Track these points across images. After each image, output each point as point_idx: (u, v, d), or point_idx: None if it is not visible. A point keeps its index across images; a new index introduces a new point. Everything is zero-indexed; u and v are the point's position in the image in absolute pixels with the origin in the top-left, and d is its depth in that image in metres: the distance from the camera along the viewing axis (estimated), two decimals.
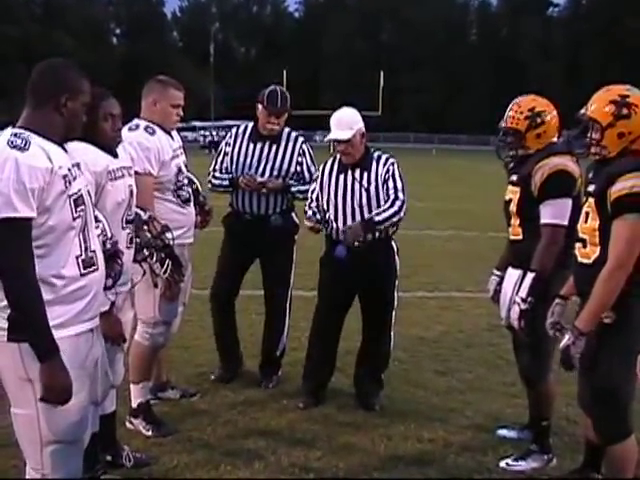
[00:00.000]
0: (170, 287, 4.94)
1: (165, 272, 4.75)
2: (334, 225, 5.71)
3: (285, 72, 58.26)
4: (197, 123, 65.55)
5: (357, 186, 5.64)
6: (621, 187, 3.69)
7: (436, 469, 4.83)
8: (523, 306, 4.50)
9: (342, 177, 5.71)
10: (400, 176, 5.67)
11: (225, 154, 6.24)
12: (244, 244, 6.20)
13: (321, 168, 5.92)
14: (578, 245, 3.99)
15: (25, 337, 3.04)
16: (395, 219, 5.57)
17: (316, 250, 6.04)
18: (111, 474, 4.47)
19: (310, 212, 5.78)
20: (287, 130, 6.20)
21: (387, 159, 5.70)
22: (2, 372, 3.22)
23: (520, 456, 4.90)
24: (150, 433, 5.23)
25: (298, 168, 6.09)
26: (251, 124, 6.25)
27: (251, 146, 6.15)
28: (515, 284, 4.65)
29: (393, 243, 5.86)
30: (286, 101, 6.06)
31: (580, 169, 4.52)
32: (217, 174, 6.20)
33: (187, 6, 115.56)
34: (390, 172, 5.64)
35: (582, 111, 3.96)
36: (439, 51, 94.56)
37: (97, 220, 3.60)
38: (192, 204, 5.45)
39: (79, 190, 3.23)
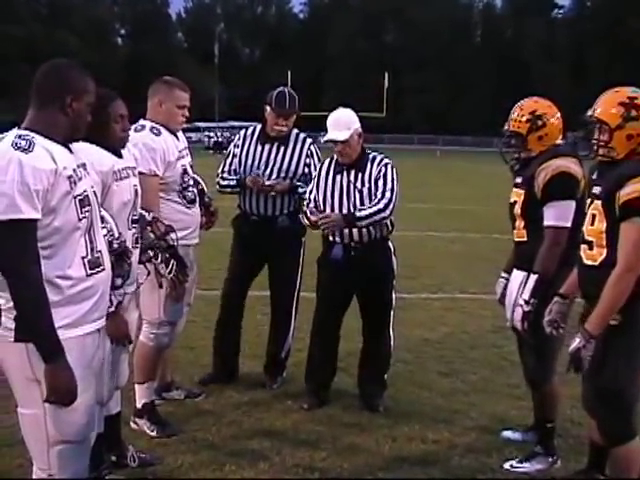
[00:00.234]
0: (175, 288, 4.95)
1: (170, 273, 4.76)
2: None
3: (289, 73, 58.25)
4: (201, 124, 65.57)
5: (352, 187, 5.65)
6: (631, 190, 3.69)
7: (440, 470, 4.83)
8: (526, 308, 4.51)
9: (338, 178, 5.72)
10: (393, 177, 5.67)
11: (234, 156, 6.25)
12: (252, 246, 6.20)
13: (318, 168, 5.93)
14: (584, 247, 3.98)
15: (26, 337, 3.04)
16: (378, 217, 5.56)
17: (320, 251, 6.04)
18: (116, 474, 4.48)
19: (308, 211, 5.79)
20: (295, 131, 6.21)
21: (381, 160, 5.72)
22: (9, 372, 3.22)
23: (525, 458, 4.90)
24: (155, 433, 5.23)
25: (306, 170, 6.08)
26: (259, 126, 6.25)
27: (259, 148, 6.15)
28: (519, 286, 4.66)
29: (390, 244, 5.87)
30: (294, 102, 6.07)
31: (583, 171, 4.52)
32: (225, 175, 6.21)
33: (192, 7, 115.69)
34: (382, 172, 5.65)
35: (589, 113, 3.96)
36: (443, 52, 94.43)
37: (103, 220, 3.61)
38: (197, 205, 5.46)
39: (85, 191, 3.23)
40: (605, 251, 3.84)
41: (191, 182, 5.38)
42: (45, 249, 3.06)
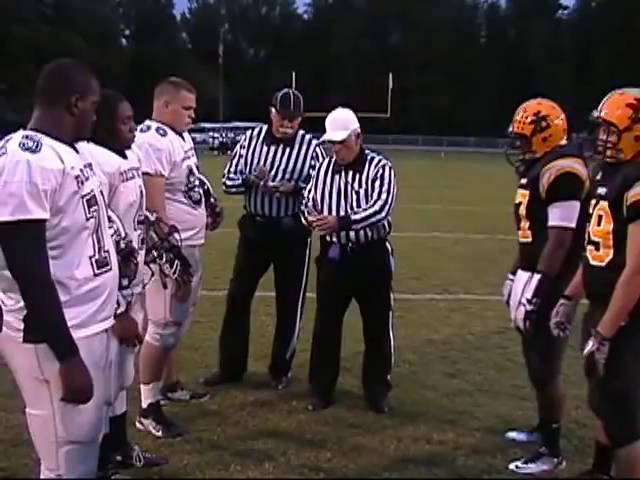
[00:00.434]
0: (180, 288, 4.97)
1: (174, 273, 4.77)
2: None
3: (294, 74, 58.24)
4: (206, 124, 65.57)
5: (349, 188, 5.66)
6: (639, 191, 3.69)
7: (446, 471, 4.83)
8: (529, 307, 4.52)
9: (336, 178, 5.72)
10: (390, 178, 5.65)
11: (239, 156, 6.26)
12: (257, 246, 6.22)
13: (317, 168, 5.94)
14: (590, 248, 3.99)
15: (42, 338, 3.04)
16: (374, 219, 5.54)
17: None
18: (121, 474, 4.49)
19: (309, 210, 5.79)
20: (301, 133, 6.22)
21: (379, 161, 5.70)
22: (17, 373, 3.23)
23: (530, 459, 4.90)
24: (160, 433, 5.24)
25: (311, 171, 6.07)
26: (265, 127, 6.26)
27: (265, 149, 6.16)
28: (524, 286, 4.66)
29: (387, 244, 5.87)
30: (299, 105, 6.07)
31: (588, 171, 4.52)
32: (231, 175, 6.22)
33: (196, 7, 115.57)
34: (379, 173, 5.64)
35: (595, 114, 3.96)
36: (448, 53, 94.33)
37: (110, 220, 3.62)
38: (203, 205, 5.47)
39: (92, 190, 3.23)
40: (612, 252, 3.84)
41: (197, 182, 5.38)
42: (53, 249, 3.05)
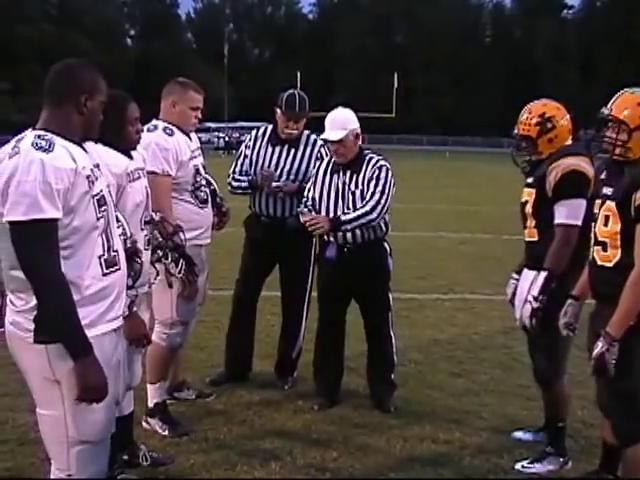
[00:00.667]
0: (186, 287, 4.98)
1: (180, 272, 4.79)
2: None
3: (299, 73, 58.26)
4: (211, 124, 65.61)
5: (346, 188, 5.66)
6: None
7: (452, 470, 4.83)
8: (535, 304, 4.52)
9: (335, 178, 5.72)
10: (386, 179, 5.63)
11: (245, 156, 6.26)
12: (263, 246, 6.23)
13: (316, 167, 5.95)
14: (597, 248, 3.98)
15: (52, 338, 3.04)
16: (364, 220, 5.53)
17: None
18: (128, 473, 4.49)
19: (305, 209, 5.80)
20: (307, 133, 6.22)
21: (377, 161, 5.68)
22: (27, 373, 3.23)
23: (536, 458, 4.89)
24: (166, 433, 5.25)
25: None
26: (270, 126, 6.27)
27: (270, 149, 6.17)
28: (530, 285, 4.66)
29: (386, 245, 5.86)
30: (305, 106, 6.07)
31: (594, 170, 4.52)
32: (237, 176, 6.22)
33: (201, 7, 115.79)
34: (375, 174, 5.62)
35: (605, 111, 3.95)
36: (453, 52, 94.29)
37: (117, 220, 3.62)
38: (210, 205, 5.48)
39: (101, 190, 3.23)
40: (620, 252, 3.84)
41: (203, 182, 5.39)
42: (64, 249, 3.05)
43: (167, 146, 5.05)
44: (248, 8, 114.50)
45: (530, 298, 4.55)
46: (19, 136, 3.12)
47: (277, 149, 6.16)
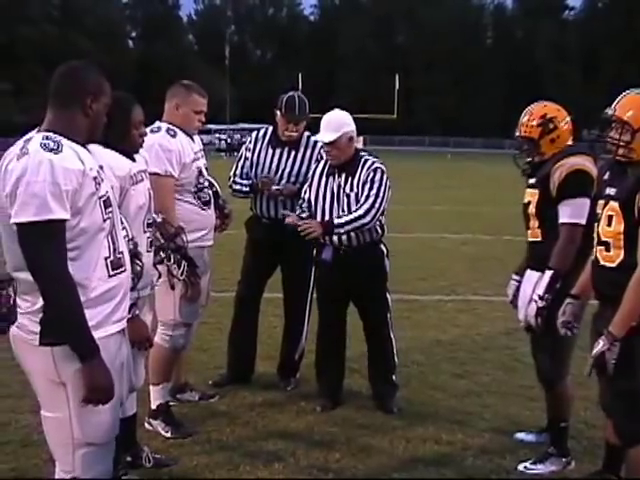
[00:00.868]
0: (188, 289, 4.99)
1: (182, 274, 4.79)
2: None
3: (300, 75, 58.26)
4: (212, 126, 65.59)
5: (341, 191, 5.66)
6: None
7: (454, 471, 4.84)
8: (540, 303, 4.53)
9: (330, 180, 5.73)
10: (381, 182, 5.61)
11: (245, 159, 6.27)
12: (264, 248, 6.24)
13: (313, 169, 5.95)
14: (600, 248, 3.99)
15: (59, 339, 3.04)
16: (357, 224, 5.52)
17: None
18: (131, 475, 4.50)
19: (287, 211, 5.83)
20: (307, 134, 6.22)
21: (372, 164, 5.67)
22: (32, 375, 3.23)
23: (538, 459, 4.90)
24: (169, 434, 5.26)
25: None
26: (271, 128, 6.27)
27: (270, 152, 6.18)
28: (534, 285, 4.67)
29: (382, 247, 5.85)
30: (305, 108, 6.07)
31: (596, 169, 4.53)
32: (237, 179, 6.23)
33: (202, 9, 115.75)
34: (370, 177, 5.61)
35: (610, 112, 3.95)
36: (454, 53, 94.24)
37: (120, 222, 3.63)
38: (212, 206, 5.48)
39: (107, 192, 3.24)
40: (623, 253, 3.84)
41: (206, 184, 5.40)
42: (71, 251, 3.05)
43: (170, 147, 5.06)
44: (249, 9, 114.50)
45: (536, 297, 4.56)
46: (26, 137, 3.12)
47: (277, 151, 6.17)
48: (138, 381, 4.41)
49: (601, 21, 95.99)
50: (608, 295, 3.91)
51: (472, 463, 4.96)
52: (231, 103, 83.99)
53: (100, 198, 3.16)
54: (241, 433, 5.36)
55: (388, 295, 5.93)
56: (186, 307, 5.16)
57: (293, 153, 6.17)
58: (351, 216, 5.50)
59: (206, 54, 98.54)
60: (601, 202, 4.02)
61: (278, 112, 6.09)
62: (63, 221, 2.99)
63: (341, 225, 5.50)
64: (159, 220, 4.62)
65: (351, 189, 5.62)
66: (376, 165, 5.66)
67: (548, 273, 4.53)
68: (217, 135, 63.53)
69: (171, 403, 5.54)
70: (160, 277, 4.71)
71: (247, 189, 6.18)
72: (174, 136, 5.13)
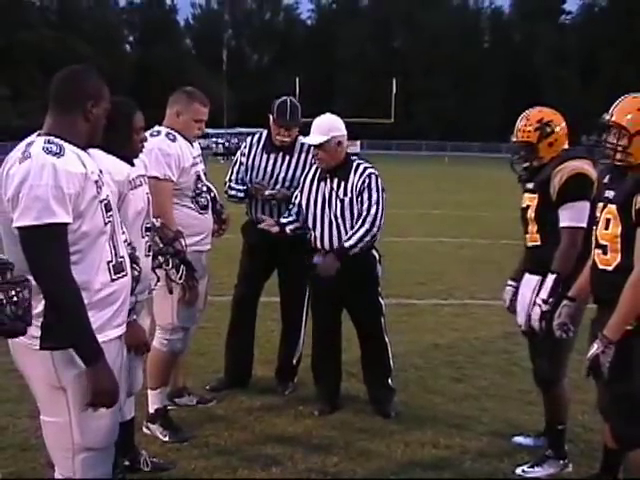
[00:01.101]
0: (186, 292, 4.99)
1: (180, 278, 4.80)
2: (312, 233, 5.77)
3: (298, 79, 58.29)
4: (210, 130, 65.57)
5: (334, 196, 5.66)
6: None
7: (452, 475, 4.83)
8: (544, 307, 4.53)
9: (322, 185, 5.73)
10: (378, 189, 5.63)
11: (240, 164, 6.28)
12: (260, 252, 6.23)
13: (304, 175, 5.95)
14: (598, 251, 4.00)
15: (59, 344, 3.04)
16: (368, 238, 5.56)
17: None
18: (129, 479, 4.50)
19: (264, 217, 5.89)
20: (301, 139, 6.20)
21: (365, 169, 5.66)
22: (32, 380, 3.22)
23: (536, 462, 4.90)
24: (167, 438, 5.25)
25: None
26: (265, 133, 6.28)
27: (264, 157, 6.18)
28: (534, 288, 4.68)
29: (374, 252, 5.83)
30: (297, 114, 6.06)
31: (596, 173, 4.55)
32: (233, 184, 6.24)
33: (200, 13, 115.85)
34: (366, 184, 5.61)
35: (606, 117, 3.97)
36: (452, 57, 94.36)
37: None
38: (210, 211, 5.49)
39: (107, 196, 3.25)
40: (620, 256, 3.85)
41: (204, 189, 5.40)
42: (73, 254, 3.05)
43: (169, 151, 5.06)
44: (247, 14, 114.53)
45: (539, 301, 4.57)
46: (27, 141, 3.12)
47: (272, 156, 6.17)
48: (136, 385, 4.41)
49: (598, 25, 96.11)
50: (605, 298, 3.91)
51: (470, 467, 4.95)
52: (229, 107, 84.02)
53: (101, 202, 3.16)
54: (239, 437, 5.35)
55: (381, 300, 5.92)
56: (184, 311, 5.17)
57: (287, 158, 6.17)
58: (360, 232, 5.52)
59: (204, 58, 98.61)
60: (600, 205, 4.04)
61: (271, 117, 6.10)
62: (66, 224, 2.99)
63: (354, 245, 5.53)
64: (158, 224, 4.63)
65: (345, 194, 5.62)
66: (369, 170, 5.66)
67: (551, 277, 4.54)
68: (214, 139, 63.52)
69: (169, 407, 5.54)
70: (159, 281, 4.72)
71: (242, 194, 6.19)
72: (174, 140, 5.13)
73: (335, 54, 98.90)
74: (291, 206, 5.89)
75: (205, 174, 5.48)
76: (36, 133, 3.19)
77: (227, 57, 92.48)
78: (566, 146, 4.78)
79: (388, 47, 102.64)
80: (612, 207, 3.89)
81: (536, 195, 4.70)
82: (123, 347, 3.45)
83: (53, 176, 2.95)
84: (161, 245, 4.65)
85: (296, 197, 5.88)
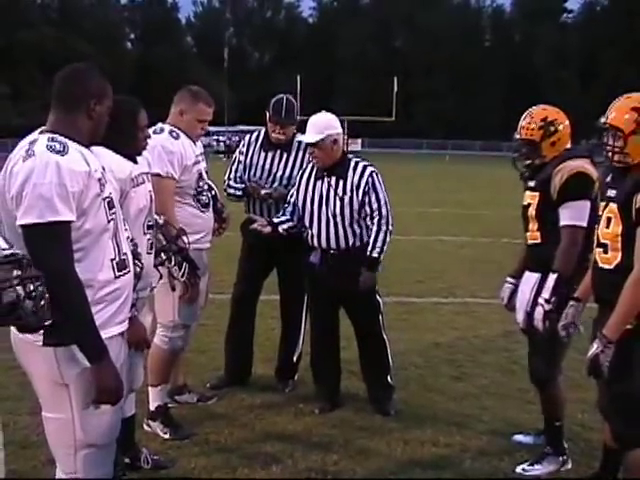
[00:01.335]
0: (188, 290, 5.00)
1: (183, 275, 4.81)
2: (309, 232, 5.77)
3: (299, 77, 58.23)
4: (211, 128, 65.44)
5: (332, 194, 5.66)
6: None
7: (452, 474, 4.84)
8: (547, 307, 4.53)
9: (319, 184, 5.73)
10: (381, 186, 5.66)
11: (239, 162, 6.29)
12: (259, 250, 6.24)
13: (300, 173, 5.95)
14: (598, 250, 4.00)
15: (67, 341, 3.04)
16: (388, 238, 5.64)
17: None
18: (130, 476, 4.51)
19: (282, 216, 5.88)
20: (298, 138, 6.20)
21: (365, 168, 5.68)
22: (35, 377, 3.23)
23: (535, 460, 4.92)
24: (167, 436, 5.26)
25: None
26: (263, 131, 6.29)
27: (262, 155, 6.20)
28: (533, 287, 4.69)
29: None
30: (292, 112, 6.07)
31: (597, 172, 4.55)
32: (232, 183, 6.26)
33: (201, 11, 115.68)
34: (370, 184, 5.62)
35: (602, 120, 3.98)
36: (453, 56, 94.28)
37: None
38: (211, 209, 5.49)
39: (110, 193, 3.26)
40: (620, 255, 3.86)
41: (205, 187, 5.41)
42: (76, 252, 3.06)
43: (172, 149, 5.07)
44: (248, 12, 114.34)
45: (542, 301, 4.57)
46: (30, 139, 3.12)
47: (270, 154, 6.18)
48: (137, 382, 4.43)
49: (600, 24, 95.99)
50: (606, 298, 3.92)
51: (470, 465, 4.96)
52: (229, 105, 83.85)
53: (104, 199, 3.18)
54: (239, 435, 5.36)
55: (379, 297, 5.93)
56: (185, 309, 5.17)
57: (285, 156, 6.18)
58: (381, 238, 5.59)
59: (205, 56, 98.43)
60: (602, 204, 4.05)
61: (267, 114, 6.10)
62: (69, 222, 3.00)
63: (381, 252, 5.60)
64: (161, 222, 4.64)
65: (344, 192, 5.62)
66: (370, 169, 5.68)
67: (552, 276, 4.54)
68: (215, 137, 63.47)
69: (170, 405, 5.55)
70: (161, 279, 4.72)
71: (240, 193, 6.21)
72: (177, 138, 5.14)
73: (336, 53, 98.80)
74: (286, 205, 5.89)
75: (207, 172, 5.49)
76: (38, 130, 3.19)
77: (228, 55, 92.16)
78: (569, 145, 4.79)
79: (389, 46, 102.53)
80: (613, 206, 3.89)
81: (537, 193, 4.71)
82: (125, 344, 3.46)
83: (57, 174, 2.95)
84: (164, 242, 4.65)
85: (291, 196, 5.88)
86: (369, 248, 5.60)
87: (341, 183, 5.64)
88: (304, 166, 6.06)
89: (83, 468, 3.24)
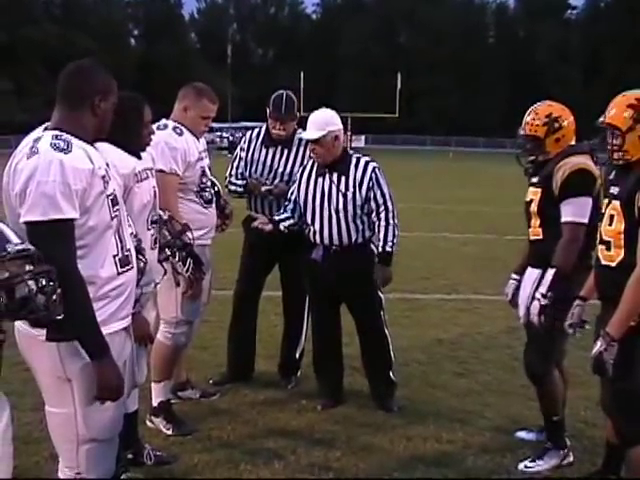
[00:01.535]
0: (192, 286, 5.00)
1: (187, 271, 4.80)
2: (311, 228, 5.76)
3: (302, 74, 58.17)
4: (214, 124, 65.41)
5: (334, 190, 5.65)
6: None
7: (455, 470, 4.84)
8: (543, 301, 4.54)
9: (320, 180, 5.71)
10: (384, 181, 5.66)
11: (240, 159, 6.29)
12: (261, 247, 6.23)
13: (301, 170, 5.94)
14: (601, 247, 4.00)
15: (69, 337, 3.05)
16: (397, 231, 5.65)
17: None
18: (132, 472, 4.51)
19: (282, 213, 5.86)
20: (299, 134, 6.19)
21: (367, 164, 5.67)
22: (38, 372, 3.24)
23: (537, 456, 4.92)
24: (170, 432, 5.27)
25: None
26: (264, 127, 6.29)
27: (263, 151, 6.20)
28: (534, 282, 4.69)
29: (372, 246, 5.81)
30: (291, 108, 6.07)
31: (599, 169, 4.55)
32: (233, 179, 6.27)
33: (204, 8, 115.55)
34: (374, 179, 5.62)
35: (601, 119, 3.99)
36: (456, 53, 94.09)
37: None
38: (214, 205, 5.49)
39: (114, 190, 3.26)
40: (623, 252, 3.85)
41: (209, 183, 5.42)
42: (79, 249, 3.07)
43: (176, 145, 5.07)
44: (252, 8, 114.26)
45: (538, 295, 4.58)
46: (34, 136, 3.13)
47: (270, 150, 6.18)
48: (140, 378, 4.42)
49: (603, 20, 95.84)
50: (609, 295, 3.91)
51: (473, 462, 4.96)
52: (233, 102, 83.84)
53: (108, 197, 3.18)
54: (242, 431, 5.37)
55: (380, 293, 5.92)
56: (188, 305, 5.18)
57: (286, 152, 6.18)
58: (391, 232, 5.59)
59: (208, 53, 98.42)
60: (605, 201, 4.05)
61: (268, 110, 6.10)
62: (72, 220, 3.01)
63: (393, 245, 5.60)
64: (165, 217, 4.64)
65: (347, 188, 5.61)
66: (372, 165, 5.68)
67: (551, 271, 4.54)
68: (218, 133, 63.48)
69: (172, 401, 5.55)
70: (165, 274, 4.72)
71: (241, 189, 6.21)
72: (180, 134, 5.14)
73: (339, 50, 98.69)
74: (286, 202, 5.88)
75: (210, 169, 5.49)
76: (42, 127, 3.20)
77: (231, 52, 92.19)
78: (573, 142, 4.78)
79: (392, 43, 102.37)
80: (616, 203, 3.89)
81: (539, 189, 4.71)
82: (129, 340, 3.46)
83: (60, 172, 2.96)
84: (169, 238, 4.65)
85: (292, 193, 5.87)
86: (380, 243, 5.60)
87: (343, 179, 5.63)
88: (304, 162, 6.07)
89: (85, 463, 3.26)
